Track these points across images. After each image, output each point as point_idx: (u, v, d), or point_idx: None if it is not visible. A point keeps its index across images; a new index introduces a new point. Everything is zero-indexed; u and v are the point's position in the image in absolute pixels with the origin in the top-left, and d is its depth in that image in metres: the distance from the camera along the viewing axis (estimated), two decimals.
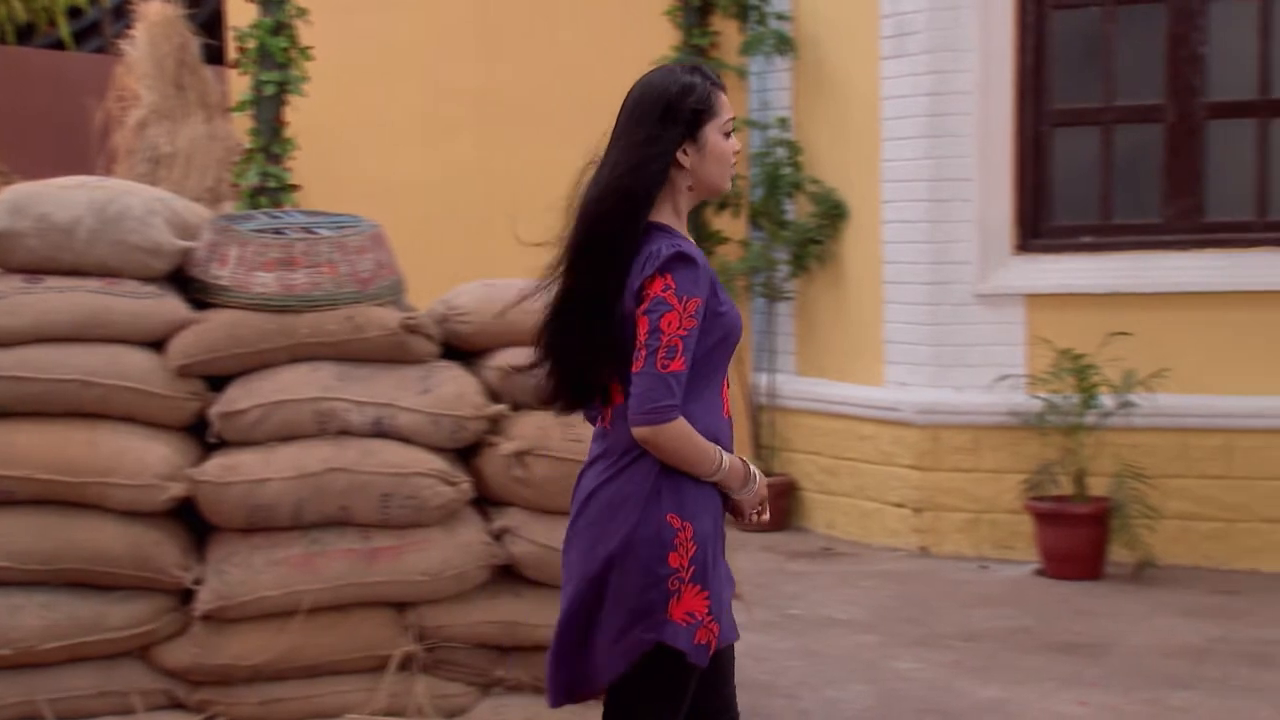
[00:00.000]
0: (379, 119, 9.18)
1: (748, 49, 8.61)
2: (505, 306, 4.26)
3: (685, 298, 2.97)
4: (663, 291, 2.97)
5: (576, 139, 10.35)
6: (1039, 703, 5.30)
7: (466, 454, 4.47)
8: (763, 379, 8.68)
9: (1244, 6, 7.45)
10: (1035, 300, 7.54)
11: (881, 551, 7.77)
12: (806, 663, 5.77)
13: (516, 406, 4.46)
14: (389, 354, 4.43)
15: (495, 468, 4.37)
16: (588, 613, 3.03)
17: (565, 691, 3.12)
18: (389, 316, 4.43)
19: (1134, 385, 7.11)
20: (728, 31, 8.86)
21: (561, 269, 3.10)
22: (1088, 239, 7.65)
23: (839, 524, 8.19)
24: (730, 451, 3.06)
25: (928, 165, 7.70)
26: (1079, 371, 7.06)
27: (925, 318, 7.72)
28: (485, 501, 4.44)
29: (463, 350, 4.59)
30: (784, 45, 8.49)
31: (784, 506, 8.42)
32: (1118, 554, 7.19)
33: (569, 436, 4.38)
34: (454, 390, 4.41)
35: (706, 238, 8.99)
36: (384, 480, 4.24)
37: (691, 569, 2.98)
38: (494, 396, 4.44)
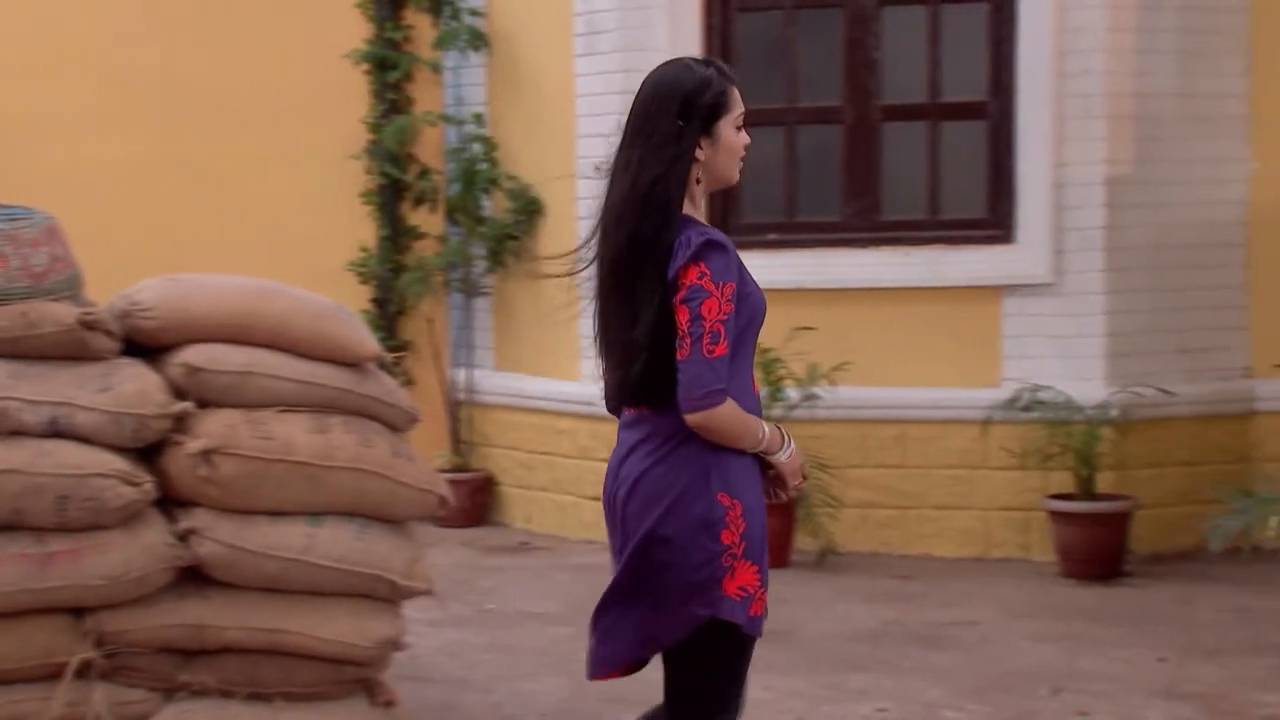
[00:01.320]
0: (55, 106, 8.84)
1: (441, 44, 8.60)
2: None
3: (721, 283, 3.12)
4: (699, 279, 3.11)
5: (263, 129, 10.19)
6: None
7: (150, 453, 4.34)
8: (460, 374, 8.68)
9: (915, 12, 7.80)
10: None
11: (579, 545, 7.86)
12: (501, 656, 5.80)
13: (203, 404, 4.36)
14: (66, 351, 4.27)
15: (181, 467, 4.26)
16: (636, 592, 3.21)
17: (606, 665, 3.33)
18: (65, 312, 4.27)
19: (818, 378, 7.37)
20: (421, 25, 8.83)
21: (607, 282, 3.26)
22: (773, 236, 7.89)
23: (537, 518, 8.26)
24: None
25: None
26: (766, 365, 7.28)
27: None
28: (171, 502, 4.32)
29: (146, 347, 4.46)
30: (478, 41, 8.51)
31: (482, 501, 8.45)
32: (802, 542, 7.45)
33: (258, 434, 4.30)
34: (136, 388, 4.28)
35: (403, 233, 8.95)
36: (60, 482, 4.08)
37: (743, 544, 3.19)
38: (179, 394, 4.33)
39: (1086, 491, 7.27)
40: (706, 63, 3.32)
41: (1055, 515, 7.31)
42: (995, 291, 7.60)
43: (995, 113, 7.69)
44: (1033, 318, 7.55)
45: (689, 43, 7.75)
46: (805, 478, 3.39)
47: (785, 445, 3.34)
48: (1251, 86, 7.74)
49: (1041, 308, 7.54)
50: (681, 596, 3.18)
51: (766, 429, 3.29)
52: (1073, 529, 7.25)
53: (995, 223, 7.70)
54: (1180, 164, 7.67)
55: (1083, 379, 7.43)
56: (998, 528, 7.61)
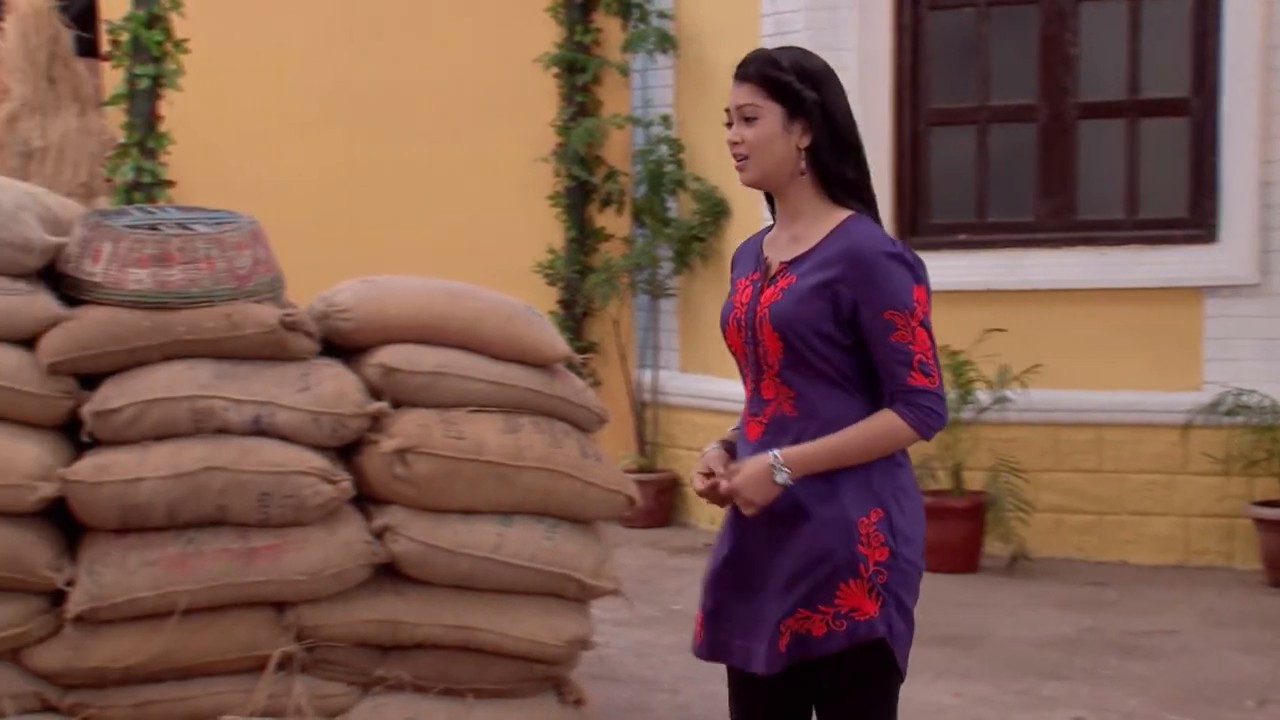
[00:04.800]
0: (255, 114, 9.09)
1: (629, 46, 8.64)
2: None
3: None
4: None
5: (454, 133, 10.36)
6: (914, 694, 5.36)
7: (347, 452, 4.42)
8: (645, 375, 8.70)
9: (1114, 8, 7.61)
10: None
11: None
12: (688, 658, 5.76)
13: (397, 404, 4.43)
14: (268, 351, 4.38)
15: (376, 466, 4.34)
16: None
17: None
18: (268, 313, 4.38)
19: (1009, 381, 7.24)
20: (610, 29, 8.88)
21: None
22: (964, 237, 7.77)
23: (720, 519, 8.24)
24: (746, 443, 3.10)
25: None
26: (956, 368, 7.17)
27: None
28: (366, 500, 4.40)
29: (343, 348, 4.55)
30: (666, 43, 8.53)
31: (667, 502, 8.46)
32: (993, 547, 7.32)
33: (450, 434, 4.36)
34: (334, 388, 4.37)
35: (590, 235, 9.01)
36: (262, 479, 4.18)
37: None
38: (374, 394, 4.40)
39: None
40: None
41: (1261, 522, 7.07)
42: (1196, 292, 7.39)
43: (1198, 109, 7.47)
44: (1236, 319, 7.32)
45: (879, 42, 7.68)
46: (752, 505, 3.01)
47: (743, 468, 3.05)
48: None
49: (1246, 309, 7.30)
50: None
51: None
52: None
53: (1196, 222, 7.48)
54: None
55: None
56: (1198, 534, 7.39)
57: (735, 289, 3.10)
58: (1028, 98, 7.72)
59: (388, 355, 4.41)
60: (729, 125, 3.05)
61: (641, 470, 8.44)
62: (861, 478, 2.97)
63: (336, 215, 8.94)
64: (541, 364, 4.61)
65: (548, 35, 8.92)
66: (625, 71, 8.85)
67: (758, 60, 3.05)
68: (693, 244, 8.45)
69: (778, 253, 3.05)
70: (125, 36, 8.05)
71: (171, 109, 8.21)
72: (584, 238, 9.02)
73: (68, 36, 9.15)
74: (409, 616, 4.32)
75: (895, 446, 2.98)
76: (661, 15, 8.55)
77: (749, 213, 8.11)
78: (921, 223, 7.75)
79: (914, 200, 7.76)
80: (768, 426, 3.01)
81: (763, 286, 3.03)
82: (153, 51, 8.00)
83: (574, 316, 8.94)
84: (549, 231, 8.97)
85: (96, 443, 4.22)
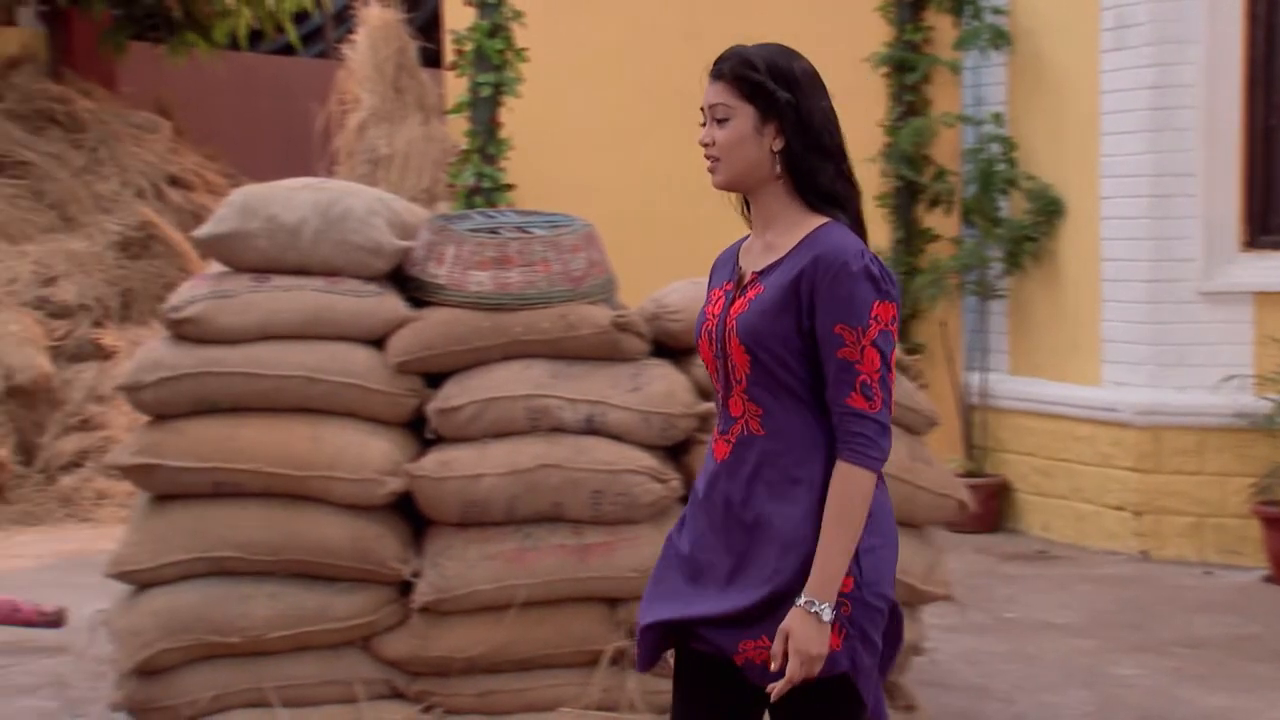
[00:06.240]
0: (588, 119, 9.27)
1: (962, 44, 8.50)
2: None
3: None
4: None
5: None
6: (1267, 712, 5.13)
7: (676, 451, 4.48)
8: (974, 378, 8.55)
9: None
10: (1265, 298, 7.28)
11: (1099, 555, 7.59)
12: (1022, 666, 5.66)
13: None
14: (600, 352, 4.47)
15: None
16: None
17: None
18: (601, 314, 4.47)
19: None
20: (941, 26, 8.75)
21: None
22: None
23: (1054, 526, 8.03)
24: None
25: (1149, 160, 7.50)
26: None
27: (1145, 316, 7.51)
28: None
29: (673, 348, 4.61)
30: (1000, 39, 8.35)
31: (996, 508, 8.29)
32: None
33: None
34: (664, 388, 4.43)
35: (917, 235, 8.90)
36: (595, 477, 4.28)
37: None
38: (703, 394, 4.45)
39: None
40: None
41: None
42: None
43: None
44: None
45: (1228, 33, 7.34)
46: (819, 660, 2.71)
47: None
48: None
49: None
50: None
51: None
52: None
53: None
54: None
55: None
56: None
57: (709, 299, 2.92)
58: None
59: None
60: (703, 125, 2.89)
61: (969, 474, 8.28)
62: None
63: (665, 217, 9.05)
64: None
65: (876, 34, 8.85)
66: (957, 69, 8.70)
67: (732, 59, 2.86)
68: (1024, 244, 8.25)
69: (751, 261, 2.88)
70: (469, 46, 8.33)
71: (510, 116, 8.47)
72: (911, 238, 8.91)
73: (414, 48, 9.54)
74: None
75: (868, 492, 2.75)
76: (996, 11, 8.38)
77: (1084, 212, 7.88)
78: (1273, 220, 7.37)
79: (1265, 198, 7.38)
80: (735, 446, 2.82)
81: (734, 297, 2.85)
82: (494, 60, 8.26)
83: (899, 318, 8.84)
84: (875, 232, 8.82)
85: (439, 440, 4.39)
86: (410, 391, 4.42)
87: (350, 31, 9.89)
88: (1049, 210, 8.17)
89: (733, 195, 2.94)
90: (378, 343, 4.45)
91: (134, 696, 4.26)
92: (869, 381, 2.74)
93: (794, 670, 2.70)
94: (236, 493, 4.29)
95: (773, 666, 2.72)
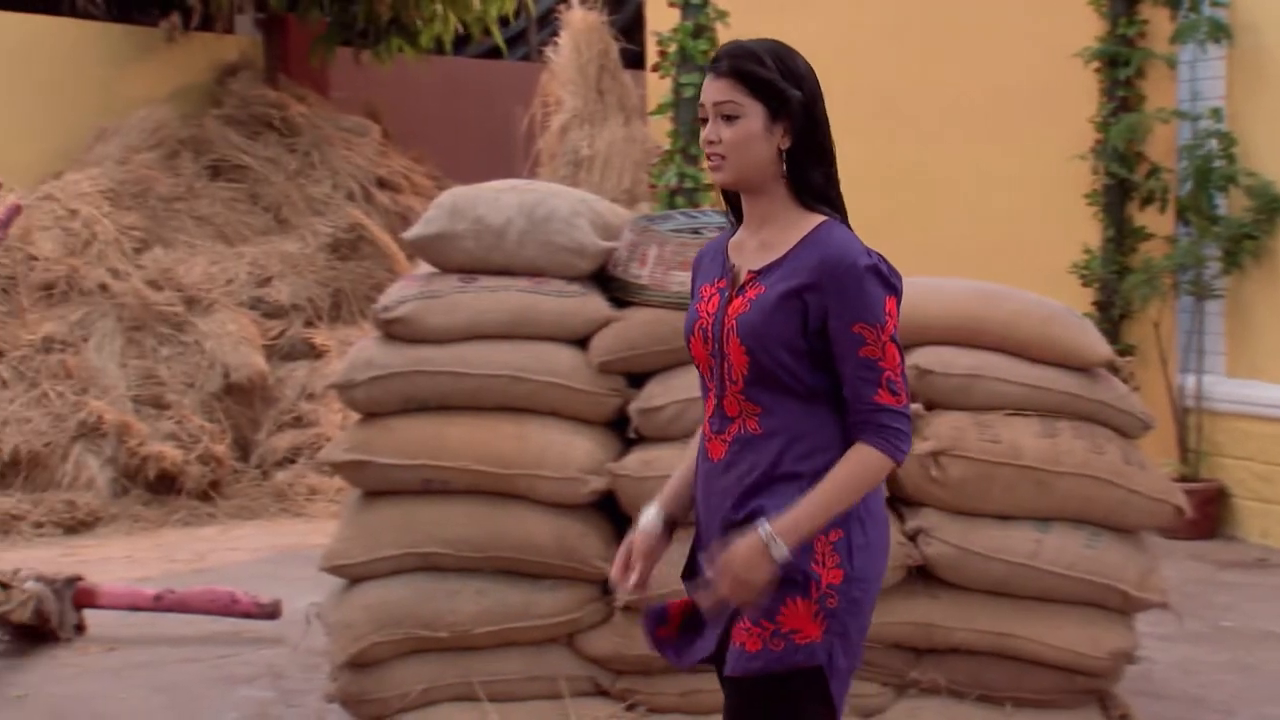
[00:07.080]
0: None
1: (1179, 37, 8.26)
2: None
3: None
4: None
5: (990, 131, 10.22)
6: None
7: None
8: (1188, 380, 8.30)
9: None
10: None
11: None
12: (1242, 677, 5.47)
13: (931, 406, 4.41)
14: None
15: (910, 468, 4.32)
16: None
17: None
18: None
19: None
20: (1157, 19, 8.51)
21: None
22: None
23: (1275, 533, 7.76)
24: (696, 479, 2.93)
25: None
26: None
27: None
28: (900, 502, 4.40)
29: None
30: (1219, 33, 8.09)
31: (1212, 514, 8.03)
32: None
33: (985, 437, 4.30)
34: None
35: (1129, 234, 8.68)
36: None
37: None
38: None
39: None
40: None
41: None
42: None
43: None
44: None
45: None
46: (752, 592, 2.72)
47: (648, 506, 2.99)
48: None
49: None
50: None
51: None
52: None
53: None
54: None
55: None
56: None
57: (700, 296, 2.87)
58: None
59: (922, 357, 4.39)
60: (704, 121, 2.81)
61: (1184, 479, 8.04)
62: None
63: (879, 215, 8.95)
64: (1081, 367, 4.47)
65: (1088, 28, 8.64)
66: (1173, 64, 8.45)
67: (736, 54, 2.81)
68: (1244, 243, 7.98)
69: (746, 260, 2.81)
70: (672, 47, 8.36)
71: None
72: (1122, 237, 8.68)
73: (616, 49, 9.62)
74: (943, 620, 4.29)
75: (878, 480, 2.74)
76: (1215, 4, 8.12)
77: None
78: None
79: None
80: (732, 446, 2.79)
81: (730, 296, 2.80)
82: (698, 61, 8.28)
83: (1110, 319, 8.62)
84: (1085, 231, 8.69)
85: (641, 439, 4.41)
86: (613, 391, 4.45)
87: (554, 34, 10.00)
88: (1271, 208, 7.89)
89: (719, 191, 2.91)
90: (581, 343, 4.49)
91: (347, 689, 4.37)
92: (893, 377, 2.73)
93: (723, 588, 2.71)
94: (444, 490, 4.36)
95: (708, 596, 2.74)
